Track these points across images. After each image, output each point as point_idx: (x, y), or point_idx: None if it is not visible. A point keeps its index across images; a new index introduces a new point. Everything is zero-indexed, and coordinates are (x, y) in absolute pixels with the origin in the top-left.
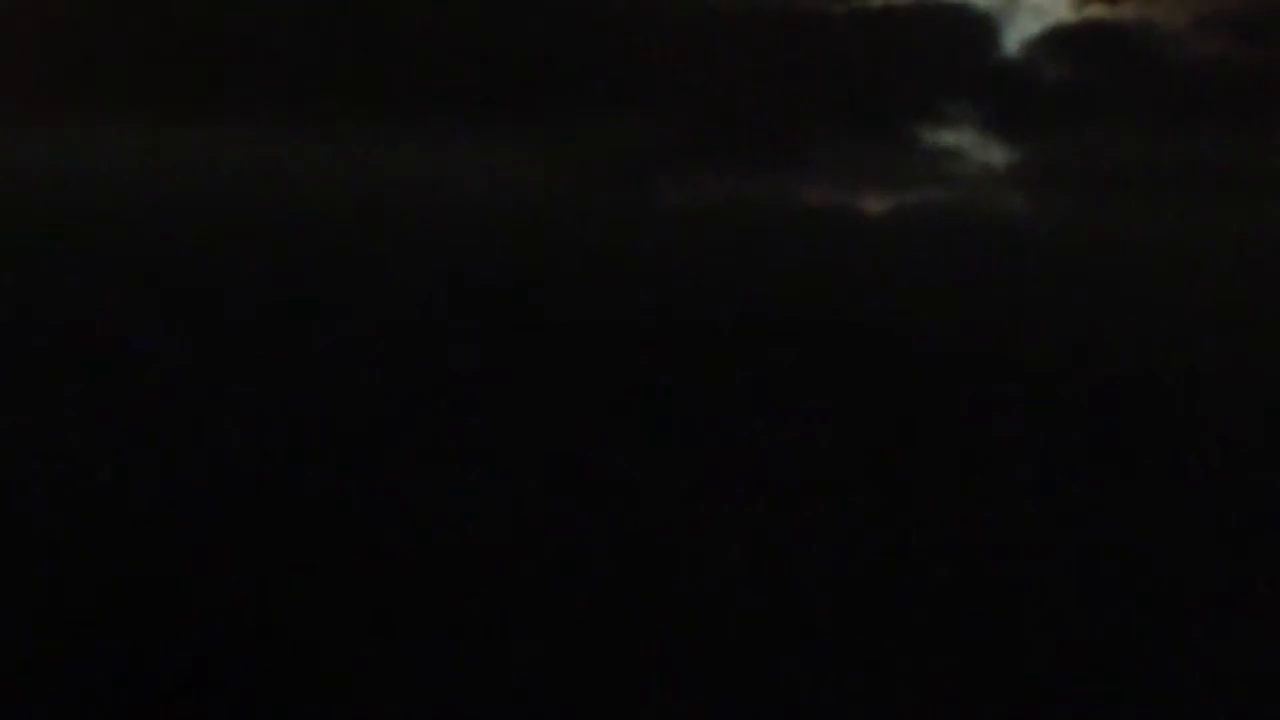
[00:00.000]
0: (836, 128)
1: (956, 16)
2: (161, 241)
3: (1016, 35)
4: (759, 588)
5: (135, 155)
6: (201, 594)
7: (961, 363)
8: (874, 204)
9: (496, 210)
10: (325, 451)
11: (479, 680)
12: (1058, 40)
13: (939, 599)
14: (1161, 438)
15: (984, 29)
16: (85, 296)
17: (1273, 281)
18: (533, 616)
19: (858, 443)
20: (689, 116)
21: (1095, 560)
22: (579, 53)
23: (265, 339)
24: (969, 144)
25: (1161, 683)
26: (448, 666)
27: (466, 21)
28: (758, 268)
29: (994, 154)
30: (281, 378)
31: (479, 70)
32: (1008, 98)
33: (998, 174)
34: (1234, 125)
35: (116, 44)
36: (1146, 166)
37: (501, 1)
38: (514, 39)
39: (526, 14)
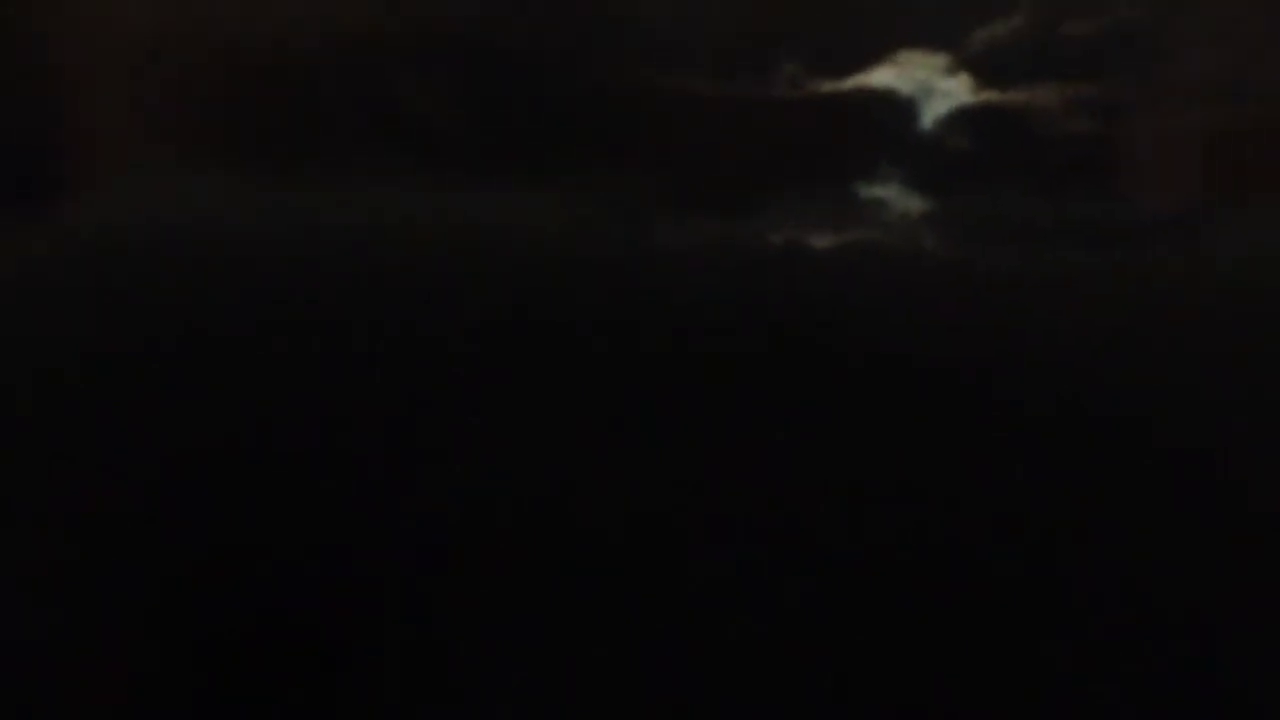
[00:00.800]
0: (794, 184)
1: (885, 100)
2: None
3: (930, 114)
4: (729, 615)
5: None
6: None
7: (887, 365)
8: (822, 242)
9: (526, 245)
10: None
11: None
12: (961, 118)
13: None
14: (1034, 432)
15: (906, 109)
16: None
17: (1125, 310)
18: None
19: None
20: (679, 175)
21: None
22: (594, 125)
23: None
24: (893, 196)
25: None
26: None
27: (504, 101)
28: (735, 289)
29: (912, 204)
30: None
31: (513, 136)
32: (923, 161)
33: (914, 219)
34: (1094, 185)
35: (244, 100)
36: (1026, 216)
37: (531, 87)
38: (543, 114)
39: (553, 95)
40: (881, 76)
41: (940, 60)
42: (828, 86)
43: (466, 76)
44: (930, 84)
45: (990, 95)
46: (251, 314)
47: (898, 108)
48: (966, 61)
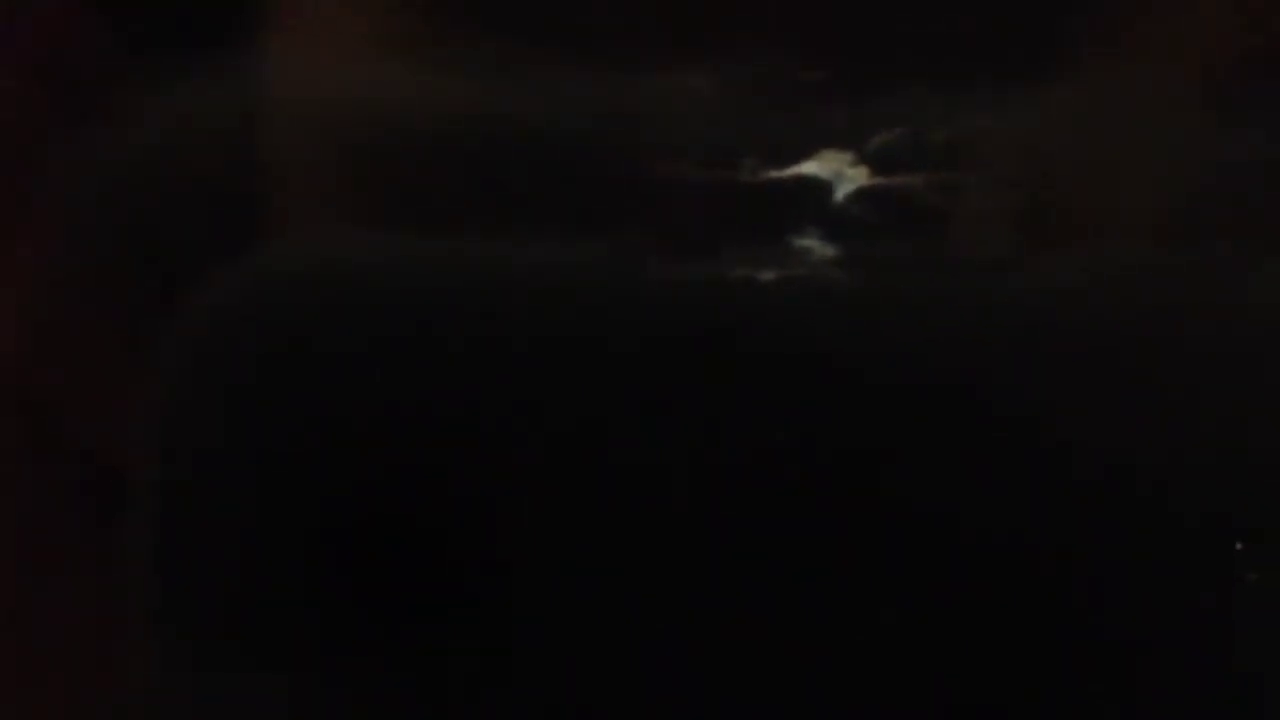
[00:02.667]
0: (748, 238)
1: (811, 182)
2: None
3: (841, 192)
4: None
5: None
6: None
7: (814, 360)
8: (766, 276)
9: (539, 286)
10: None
11: None
12: (860, 194)
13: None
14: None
15: (825, 189)
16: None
17: (1001, 338)
18: None
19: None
20: (667, 230)
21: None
22: (598, 196)
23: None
24: (815, 245)
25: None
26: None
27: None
28: (704, 308)
29: (828, 250)
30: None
31: (533, 196)
32: (835, 223)
33: (829, 260)
34: (944, 239)
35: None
36: (904, 259)
37: (548, 159)
38: (557, 183)
39: (568, 172)
40: (809, 167)
41: (848, 156)
42: (774, 173)
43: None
44: (841, 172)
45: (879, 180)
46: (415, 340)
47: (819, 188)
48: (865, 157)
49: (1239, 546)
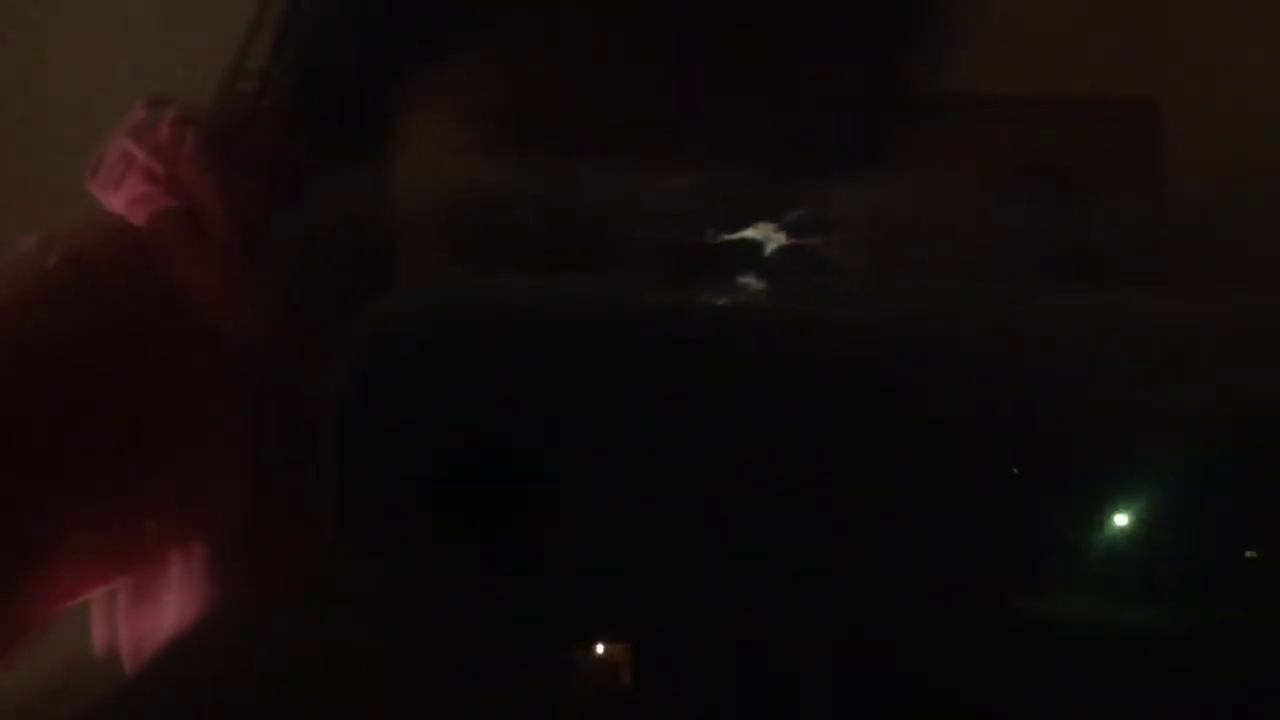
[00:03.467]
0: (703, 280)
1: (749, 243)
2: None
3: (769, 248)
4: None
5: None
6: None
7: (752, 362)
8: (718, 303)
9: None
10: None
11: None
12: (782, 250)
13: None
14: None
15: (758, 246)
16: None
17: (867, 338)
18: None
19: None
20: (651, 275)
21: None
22: (610, 243)
23: None
24: (750, 283)
25: None
26: None
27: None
28: (680, 323)
29: (759, 286)
30: None
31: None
32: (764, 269)
33: (761, 293)
34: (838, 277)
35: None
36: (810, 290)
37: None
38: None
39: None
40: (749, 232)
41: (773, 225)
42: (726, 236)
43: None
44: (769, 236)
45: (794, 241)
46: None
47: (755, 246)
48: (785, 225)
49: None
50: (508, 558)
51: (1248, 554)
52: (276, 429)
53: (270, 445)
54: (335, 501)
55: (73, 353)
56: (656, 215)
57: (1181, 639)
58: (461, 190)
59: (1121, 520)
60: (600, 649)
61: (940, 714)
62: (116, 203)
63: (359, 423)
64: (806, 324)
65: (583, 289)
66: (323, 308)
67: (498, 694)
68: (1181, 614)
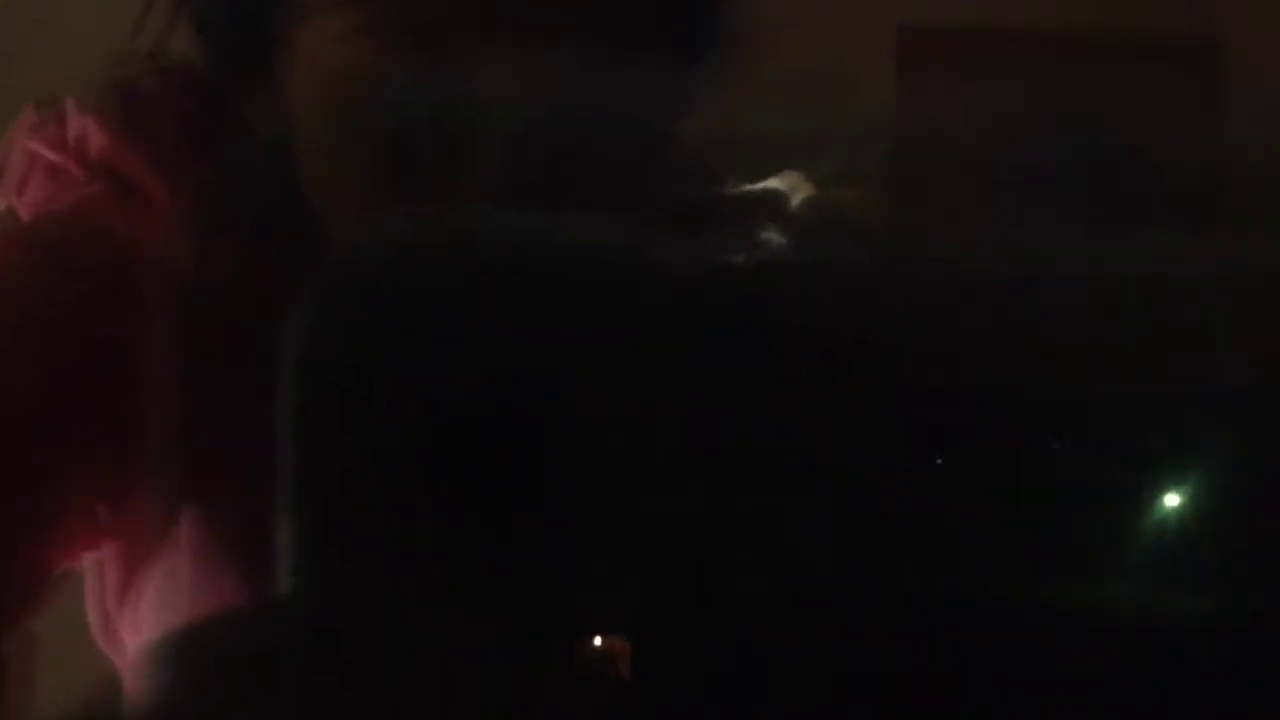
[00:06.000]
0: (722, 231)
1: (772, 193)
2: None
3: (795, 199)
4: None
5: None
6: None
7: (773, 313)
8: (735, 259)
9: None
10: None
11: None
12: (807, 201)
13: None
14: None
15: (783, 198)
16: None
17: (876, 282)
18: None
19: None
20: (677, 226)
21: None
22: (615, 206)
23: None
24: (772, 238)
25: None
26: None
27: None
28: (702, 278)
29: (781, 240)
30: None
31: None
32: (787, 223)
33: (782, 248)
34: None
35: None
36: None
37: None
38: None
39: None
40: (773, 182)
41: (799, 175)
42: (745, 187)
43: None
44: (795, 186)
45: (824, 191)
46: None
47: (777, 197)
48: (813, 176)
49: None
50: (496, 539)
51: None
52: (238, 388)
53: (230, 411)
54: (299, 477)
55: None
56: (686, 169)
57: (1227, 628)
58: (411, 107)
59: (1170, 500)
60: (598, 642)
61: (947, 709)
62: (24, 205)
63: (325, 384)
64: (833, 285)
65: (579, 235)
66: (279, 252)
67: (487, 689)
68: (1231, 601)
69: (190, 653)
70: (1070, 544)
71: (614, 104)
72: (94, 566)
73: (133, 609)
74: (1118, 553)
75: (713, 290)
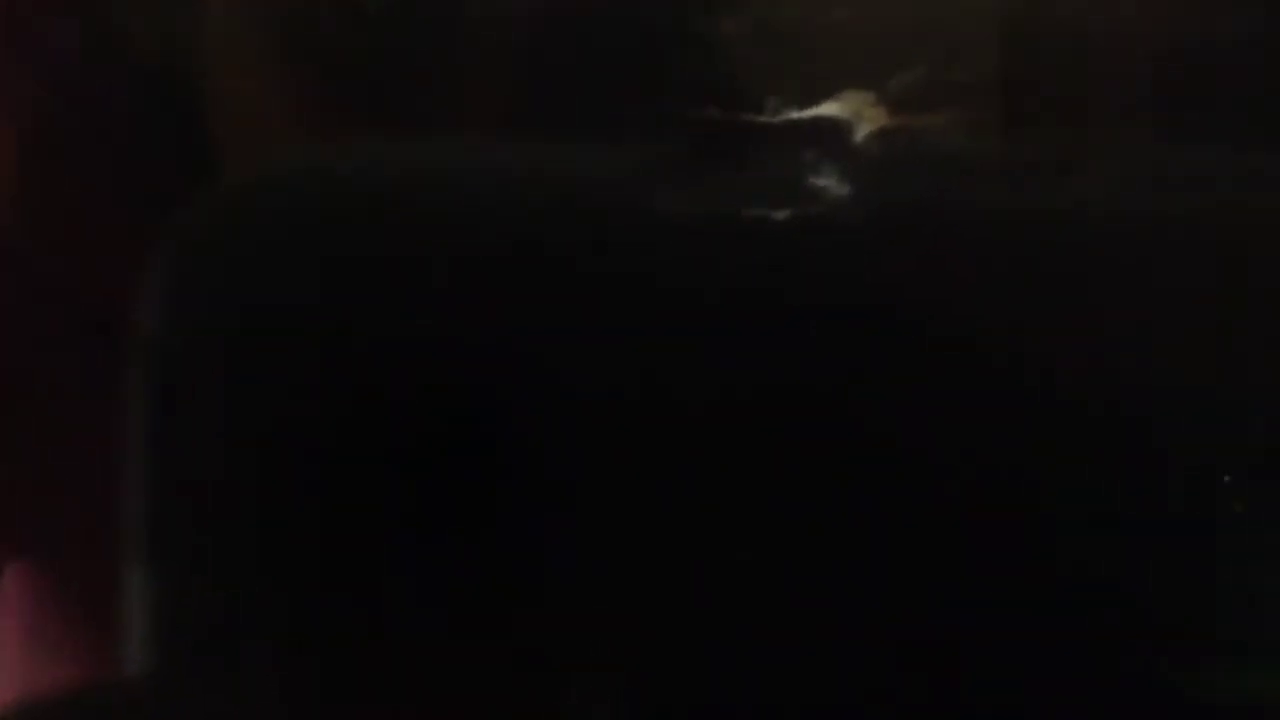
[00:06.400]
0: (764, 176)
1: (832, 123)
2: None
3: (859, 131)
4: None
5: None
6: None
7: (823, 306)
8: (780, 215)
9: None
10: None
11: None
12: (881, 134)
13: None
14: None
15: (843, 129)
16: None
17: (1013, 281)
18: None
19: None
20: (676, 166)
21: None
22: (613, 104)
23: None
24: (833, 184)
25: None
26: None
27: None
28: (716, 243)
29: (844, 190)
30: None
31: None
32: (856, 164)
33: (845, 199)
34: (973, 179)
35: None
36: (923, 199)
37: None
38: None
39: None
40: (831, 106)
41: (869, 95)
42: (795, 114)
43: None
44: (862, 112)
45: (903, 119)
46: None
47: (837, 128)
48: (886, 97)
49: (1226, 479)
50: (435, 609)
51: None
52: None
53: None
54: (156, 515)
55: None
56: (691, 80)
57: None
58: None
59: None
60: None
61: None
62: None
63: (193, 385)
64: (915, 251)
65: (548, 170)
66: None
67: None
68: None
69: None
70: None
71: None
72: None
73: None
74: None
75: (738, 257)
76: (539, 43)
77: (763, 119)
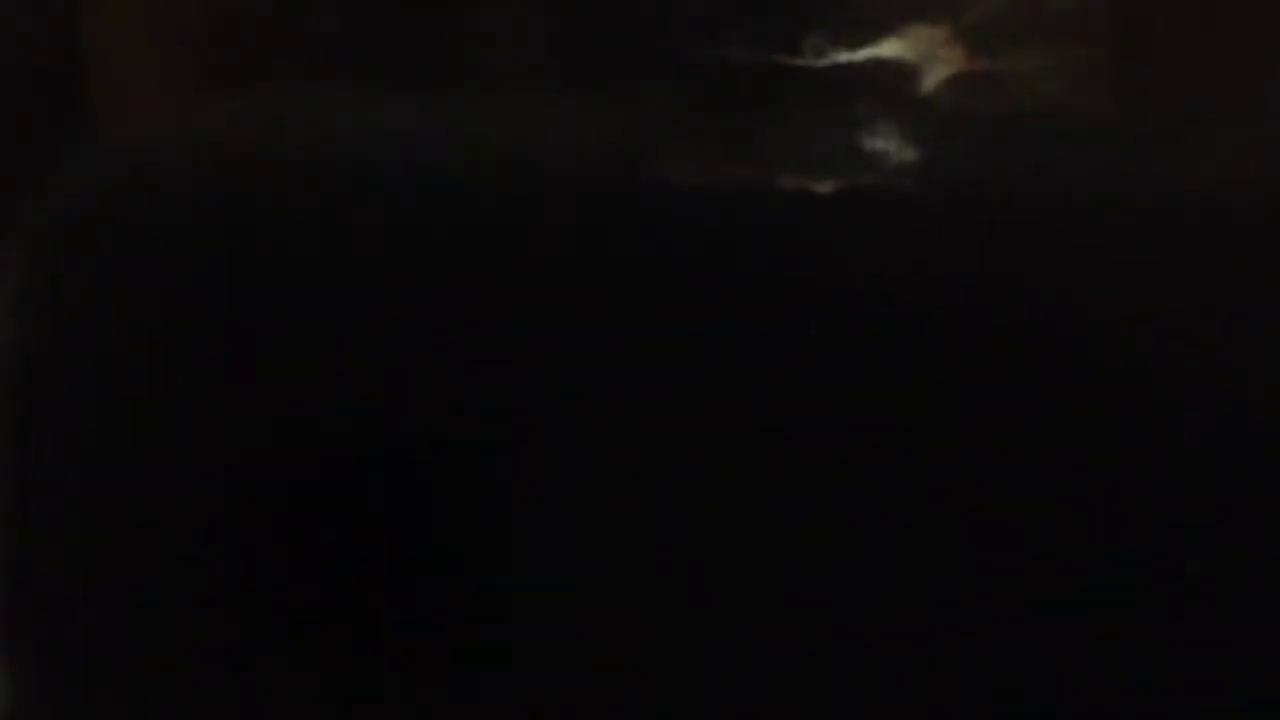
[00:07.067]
0: (806, 136)
1: (891, 65)
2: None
3: (928, 77)
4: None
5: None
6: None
7: (878, 303)
8: (824, 188)
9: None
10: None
11: None
12: (957, 82)
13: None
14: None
15: (909, 73)
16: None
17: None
18: None
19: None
20: (702, 118)
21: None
22: (607, 57)
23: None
24: (892, 149)
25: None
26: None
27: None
28: (745, 225)
29: (907, 155)
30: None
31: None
32: (924, 121)
33: (910, 166)
34: (1061, 135)
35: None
36: (1010, 166)
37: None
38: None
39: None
40: (888, 47)
41: (940, 32)
42: (844, 56)
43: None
44: (930, 53)
45: (981, 62)
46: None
47: (899, 73)
48: (962, 35)
49: None
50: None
51: None
52: None
53: None
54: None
55: None
56: (707, 11)
57: None
58: None
59: None
60: None
61: None
62: None
63: (56, 387)
64: (1000, 242)
65: (529, 138)
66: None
67: None
68: None
69: None
70: None
71: None
72: None
73: None
74: None
75: (767, 242)
76: None
77: (801, 62)
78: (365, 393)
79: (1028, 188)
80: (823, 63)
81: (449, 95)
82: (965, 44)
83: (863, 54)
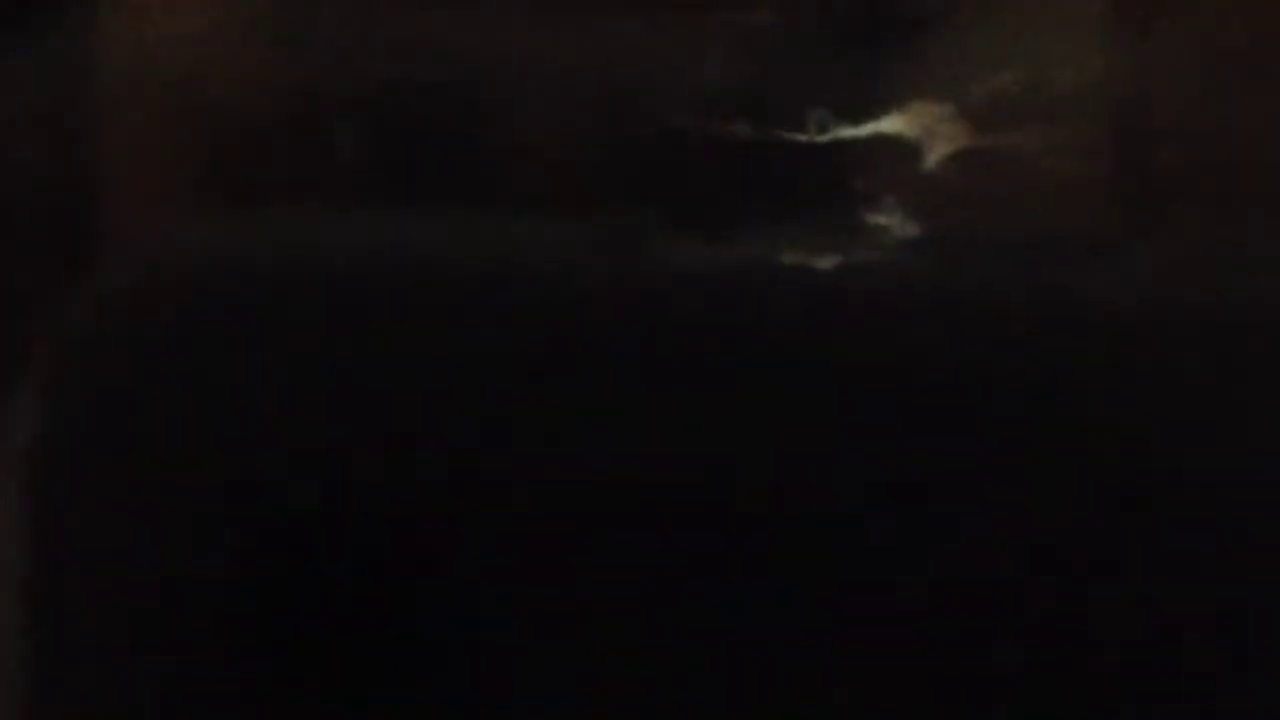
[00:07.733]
0: (806, 213)
1: (895, 143)
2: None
3: (934, 155)
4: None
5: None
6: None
7: (888, 376)
8: (824, 263)
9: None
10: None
11: None
12: (961, 157)
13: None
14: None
15: (911, 149)
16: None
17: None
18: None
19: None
20: (698, 204)
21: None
22: (618, 162)
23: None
24: (895, 224)
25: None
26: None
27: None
28: (744, 303)
29: (910, 230)
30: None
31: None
32: (927, 197)
33: (912, 243)
34: (1066, 215)
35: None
36: (1010, 242)
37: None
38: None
39: (585, 135)
40: (893, 122)
41: (946, 107)
42: (847, 132)
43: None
44: (935, 128)
45: (985, 139)
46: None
47: (902, 150)
48: (968, 111)
49: None
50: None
51: None
52: None
53: None
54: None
55: None
56: (706, 89)
57: None
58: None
59: None
60: None
61: None
62: None
63: (75, 492)
64: (1005, 323)
65: (523, 240)
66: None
67: None
68: None
69: None
70: None
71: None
72: None
73: None
74: None
75: (768, 320)
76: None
77: (803, 138)
78: (385, 505)
79: (1030, 286)
80: (824, 138)
81: (468, 213)
82: (968, 121)
83: (865, 129)
